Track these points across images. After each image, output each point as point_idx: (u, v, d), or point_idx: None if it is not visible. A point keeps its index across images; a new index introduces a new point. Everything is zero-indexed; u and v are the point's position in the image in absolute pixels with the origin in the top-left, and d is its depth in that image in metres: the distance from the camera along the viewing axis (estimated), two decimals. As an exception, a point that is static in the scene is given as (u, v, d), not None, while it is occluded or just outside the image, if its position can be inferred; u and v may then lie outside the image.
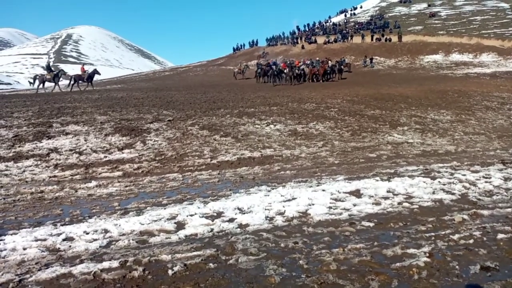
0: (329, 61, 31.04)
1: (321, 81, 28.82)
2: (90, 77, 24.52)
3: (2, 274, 3.37)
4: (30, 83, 24.52)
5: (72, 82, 24.45)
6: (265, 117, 13.85)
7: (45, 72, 24.55)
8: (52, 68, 24.74)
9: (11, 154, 8.95)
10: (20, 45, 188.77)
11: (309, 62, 31.32)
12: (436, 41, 44.62)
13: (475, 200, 5.52)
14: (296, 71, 28.59)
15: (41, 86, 23.89)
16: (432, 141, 11.88)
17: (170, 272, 3.40)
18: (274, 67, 28.56)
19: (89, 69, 26.33)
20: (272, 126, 12.75)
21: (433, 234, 4.23)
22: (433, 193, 5.84)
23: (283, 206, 5.23)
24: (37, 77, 24.06)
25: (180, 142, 10.42)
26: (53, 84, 24.22)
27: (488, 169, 7.38)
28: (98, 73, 25.40)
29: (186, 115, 13.71)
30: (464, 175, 6.90)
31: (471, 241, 4.03)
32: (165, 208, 5.29)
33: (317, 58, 33.65)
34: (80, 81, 24.47)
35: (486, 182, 6.40)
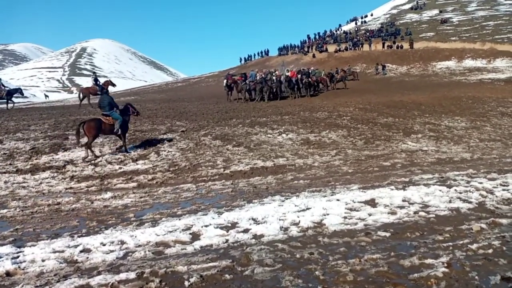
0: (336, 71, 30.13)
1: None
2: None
3: (22, 286, 3.41)
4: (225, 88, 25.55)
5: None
6: (277, 126, 13.87)
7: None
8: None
9: (28, 167, 9.12)
10: (36, 59, 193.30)
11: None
12: (449, 47, 44.25)
13: (493, 208, 5.42)
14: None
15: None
16: (447, 149, 11.74)
17: (186, 283, 3.40)
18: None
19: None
20: (284, 135, 12.76)
21: (450, 243, 4.16)
22: (450, 201, 5.76)
23: (298, 216, 5.21)
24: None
25: (193, 153, 10.49)
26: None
27: (505, 177, 7.26)
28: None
29: (199, 125, 13.81)
30: (481, 183, 6.79)
31: (490, 250, 3.96)
32: (180, 219, 5.32)
33: (312, 68, 31.84)
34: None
35: (503, 190, 6.29)
